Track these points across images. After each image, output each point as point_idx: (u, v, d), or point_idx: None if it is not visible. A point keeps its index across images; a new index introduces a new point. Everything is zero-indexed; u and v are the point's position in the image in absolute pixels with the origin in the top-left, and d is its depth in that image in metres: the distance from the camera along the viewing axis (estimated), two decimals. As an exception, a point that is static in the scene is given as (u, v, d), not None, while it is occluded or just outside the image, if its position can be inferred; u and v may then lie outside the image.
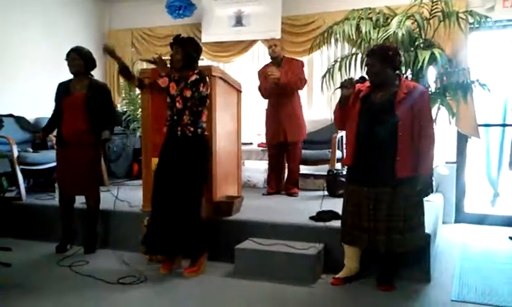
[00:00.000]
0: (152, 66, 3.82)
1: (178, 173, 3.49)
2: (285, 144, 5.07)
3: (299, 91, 5.15)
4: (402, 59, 4.55)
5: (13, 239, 4.41)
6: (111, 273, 3.51)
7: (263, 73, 5.09)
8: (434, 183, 5.08)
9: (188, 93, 3.47)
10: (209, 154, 3.75)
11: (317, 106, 6.22)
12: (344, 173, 3.99)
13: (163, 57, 3.69)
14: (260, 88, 5.16)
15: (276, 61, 5.06)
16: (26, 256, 4.04)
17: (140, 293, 3.24)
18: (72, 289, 3.29)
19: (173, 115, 3.54)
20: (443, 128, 5.20)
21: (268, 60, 5.35)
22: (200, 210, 3.57)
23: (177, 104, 3.51)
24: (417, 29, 4.88)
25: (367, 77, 3.25)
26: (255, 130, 6.05)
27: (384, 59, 3.13)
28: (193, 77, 3.50)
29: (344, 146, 3.36)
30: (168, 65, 3.65)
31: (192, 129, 3.50)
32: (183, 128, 3.50)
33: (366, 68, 3.23)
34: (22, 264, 3.81)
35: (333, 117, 3.52)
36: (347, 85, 3.19)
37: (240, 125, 4.59)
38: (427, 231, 3.41)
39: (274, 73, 4.88)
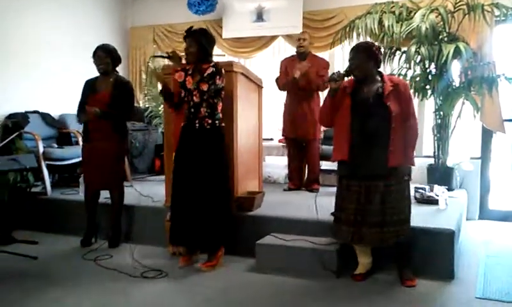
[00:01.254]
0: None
1: (201, 166, 3.51)
2: (301, 140, 5.05)
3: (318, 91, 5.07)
4: (426, 52, 4.52)
5: (39, 233, 4.53)
6: (134, 267, 3.57)
7: (285, 66, 5.05)
8: (456, 179, 5.06)
9: (205, 87, 3.48)
10: (225, 145, 3.72)
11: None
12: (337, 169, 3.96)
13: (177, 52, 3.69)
14: (277, 80, 5.12)
15: (302, 55, 5.01)
16: (52, 249, 4.12)
17: (163, 287, 3.28)
18: (97, 282, 3.35)
19: (190, 108, 3.55)
20: (468, 123, 5.12)
21: (289, 54, 5.31)
22: (230, 201, 3.62)
23: (194, 98, 3.52)
24: (441, 23, 4.81)
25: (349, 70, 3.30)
26: (275, 125, 6.05)
27: (366, 52, 3.22)
28: (210, 70, 3.50)
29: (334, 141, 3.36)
30: (183, 60, 3.65)
31: (210, 121, 3.52)
32: (201, 121, 3.52)
33: (349, 62, 3.28)
34: (48, 257, 3.90)
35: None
36: (336, 78, 3.23)
37: (262, 120, 4.60)
38: (450, 227, 3.40)
39: (299, 70, 4.80)
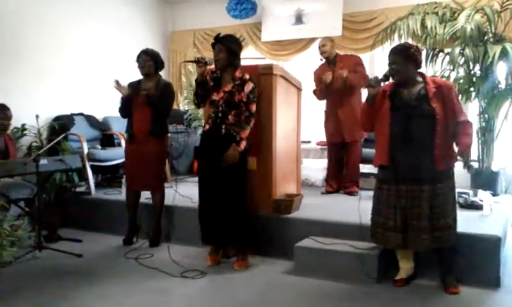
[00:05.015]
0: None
1: (225, 170, 3.51)
2: (343, 144, 5.01)
3: (361, 88, 5.00)
4: (470, 54, 4.40)
5: (83, 231, 4.68)
6: (175, 266, 3.63)
7: (317, 76, 5.04)
8: (501, 184, 4.88)
9: (236, 97, 3.52)
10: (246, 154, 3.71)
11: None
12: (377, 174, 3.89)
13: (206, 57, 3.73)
14: (315, 91, 5.10)
15: (329, 60, 4.99)
16: (95, 247, 4.25)
17: (203, 287, 3.33)
18: (138, 280, 3.43)
19: (218, 112, 3.57)
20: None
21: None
22: (246, 205, 3.64)
23: (223, 105, 3.56)
24: (487, 23, 4.68)
25: (388, 74, 3.22)
26: (313, 128, 6.02)
27: (406, 56, 3.13)
28: (250, 87, 3.53)
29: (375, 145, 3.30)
30: (212, 66, 3.66)
31: (236, 129, 3.54)
32: (227, 127, 3.53)
33: (388, 66, 3.19)
34: (91, 255, 4.02)
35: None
36: (373, 84, 3.18)
37: (300, 123, 4.59)
38: (496, 233, 3.30)
39: (326, 78, 4.81)
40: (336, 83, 4.81)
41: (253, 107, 3.57)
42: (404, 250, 3.26)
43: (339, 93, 4.87)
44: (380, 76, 3.22)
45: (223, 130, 3.54)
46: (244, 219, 3.62)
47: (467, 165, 3.14)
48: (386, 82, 3.24)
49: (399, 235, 3.13)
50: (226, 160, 3.47)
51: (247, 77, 3.59)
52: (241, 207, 3.60)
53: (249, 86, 3.55)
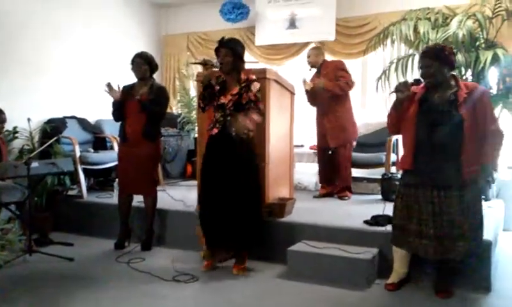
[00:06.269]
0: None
1: (234, 174, 3.52)
2: (329, 149, 5.03)
3: (350, 93, 5.03)
4: (463, 59, 4.44)
5: (75, 235, 4.65)
6: (167, 270, 3.61)
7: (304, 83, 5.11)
8: (493, 186, 4.89)
9: (244, 98, 3.53)
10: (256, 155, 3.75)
11: (372, 108, 6.12)
12: (399, 176, 3.90)
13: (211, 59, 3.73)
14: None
15: (316, 68, 5.05)
16: (87, 251, 4.22)
17: (195, 291, 3.31)
18: (130, 284, 3.41)
19: (226, 116, 3.57)
20: (506, 132, 4.97)
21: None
22: (260, 207, 3.66)
23: (232, 107, 3.55)
24: (478, 29, 4.71)
25: (421, 79, 3.16)
26: (306, 132, 6.03)
27: (439, 58, 3.03)
28: (257, 87, 3.56)
29: (400, 149, 3.23)
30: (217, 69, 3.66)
31: (245, 131, 3.54)
32: (247, 130, 3.52)
33: (421, 69, 3.13)
34: (83, 259, 3.99)
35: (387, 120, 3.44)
36: (402, 89, 3.11)
37: (293, 127, 4.59)
38: (488, 238, 3.29)
39: (304, 86, 4.93)
40: (318, 92, 4.88)
41: (261, 106, 3.60)
42: (404, 253, 3.24)
43: (324, 100, 4.93)
44: (411, 80, 3.16)
45: (233, 133, 3.52)
46: (257, 219, 3.60)
47: (485, 180, 3.03)
48: (418, 85, 3.16)
49: (426, 242, 3.07)
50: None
51: (253, 77, 3.60)
52: (255, 206, 3.59)
53: (256, 86, 3.57)
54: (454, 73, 3.16)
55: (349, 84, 4.90)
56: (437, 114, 3.04)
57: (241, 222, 3.54)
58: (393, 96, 3.21)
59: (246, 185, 3.55)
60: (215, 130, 3.62)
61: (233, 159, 3.54)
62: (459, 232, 3.01)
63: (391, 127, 3.36)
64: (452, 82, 3.09)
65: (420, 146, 3.07)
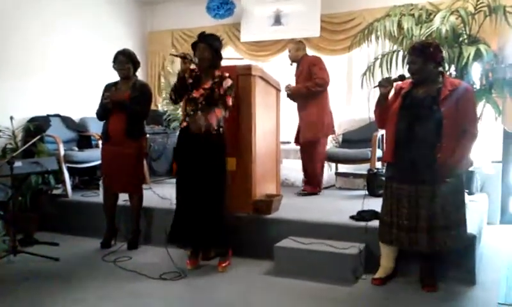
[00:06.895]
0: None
1: (203, 169, 3.53)
2: (301, 144, 5.09)
3: (334, 89, 5.20)
4: (446, 55, 4.47)
5: (60, 234, 4.60)
6: (153, 268, 3.59)
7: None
8: (476, 183, 4.96)
9: (216, 93, 3.54)
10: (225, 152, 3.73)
11: (357, 104, 6.14)
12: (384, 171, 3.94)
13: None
14: None
15: (296, 63, 5.12)
16: (72, 250, 4.18)
17: (182, 288, 3.31)
18: (117, 283, 3.39)
19: (197, 110, 3.55)
20: (489, 126, 5.04)
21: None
22: (224, 204, 3.63)
23: (203, 102, 3.55)
24: (461, 25, 4.75)
25: (407, 74, 3.22)
26: (292, 128, 6.03)
27: (425, 55, 3.08)
28: (229, 83, 3.57)
29: (384, 143, 3.30)
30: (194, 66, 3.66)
31: (215, 127, 3.53)
32: (207, 126, 3.51)
33: (407, 65, 3.19)
34: (69, 258, 3.95)
35: (372, 116, 3.45)
36: (384, 84, 3.18)
37: (280, 123, 4.60)
38: (472, 231, 3.34)
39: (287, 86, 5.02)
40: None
41: (229, 101, 3.58)
42: (391, 248, 3.28)
43: (299, 98, 5.04)
44: (394, 76, 3.22)
45: (203, 128, 3.50)
46: (221, 219, 3.60)
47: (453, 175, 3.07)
48: (400, 82, 3.23)
49: (399, 233, 3.13)
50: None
51: (226, 74, 3.61)
52: (219, 207, 3.59)
53: (228, 82, 3.58)
54: (441, 69, 3.20)
55: (318, 83, 4.89)
56: (418, 109, 3.09)
57: (207, 219, 3.54)
58: (377, 91, 3.28)
59: (209, 181, 3.54)
60: (184, 124, 3.64)
61: (199, 154, 3.54)
62: (437, 225, 3.05)
63: (377, 122, 3.43)
64: (440, 79, 3.13)
65: (400, 139, 3.13)
